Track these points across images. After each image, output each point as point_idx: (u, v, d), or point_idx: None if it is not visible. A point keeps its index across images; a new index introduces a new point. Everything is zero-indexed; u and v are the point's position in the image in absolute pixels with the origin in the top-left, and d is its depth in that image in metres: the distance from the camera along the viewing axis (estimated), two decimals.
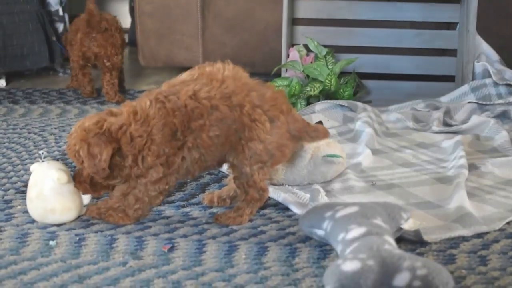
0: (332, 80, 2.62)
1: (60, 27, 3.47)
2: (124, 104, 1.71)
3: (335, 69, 2.67)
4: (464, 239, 1.61)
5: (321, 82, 2.64)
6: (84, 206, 1.76)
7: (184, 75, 1.71)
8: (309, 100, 2.65)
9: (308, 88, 2.62)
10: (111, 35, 2.92)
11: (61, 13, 3.45)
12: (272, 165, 1.71)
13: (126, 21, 4.58)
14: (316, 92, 2.62)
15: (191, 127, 1.62)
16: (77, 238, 1.63)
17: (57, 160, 2.14)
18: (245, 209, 1.71)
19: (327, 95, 2.66)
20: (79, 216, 1.74)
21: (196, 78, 1.67)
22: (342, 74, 2.75)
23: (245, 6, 3.05)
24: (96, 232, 1.66)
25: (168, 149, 1.62)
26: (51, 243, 1.60)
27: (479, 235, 1.63)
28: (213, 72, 1.68)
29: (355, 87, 2.75)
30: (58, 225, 1.69)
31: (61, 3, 3.44)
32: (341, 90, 2.67)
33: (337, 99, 2.64)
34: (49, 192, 1.68)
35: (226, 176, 2.01)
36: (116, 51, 2.93)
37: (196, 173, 1.72)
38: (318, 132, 1.78)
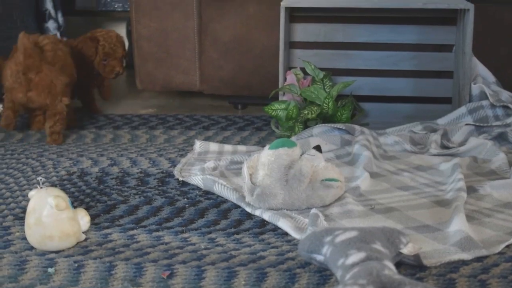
0: (330, 103, 2.63)
1: None
2: None
3: (333, 92, 2.67)
4: (464, 263, 1.61)
5: (319, 105, 2.64)
6: (82, 232, 1.76)
7: None
8: (307, 124, 2.66)
9: (306, 112, 2.62)
10: None
11: (59, 38, 3.46)
12: None
13: None
14: (314, 115, 2.62)
15: None
16: (76, 265, 1.63)
17: (56, 186, 2.14)
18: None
19: (324, 118, 2.66)
20: (77, 243, 1.73)
21: None
22: (339, 97, 2.75)
23: (242, 30, 3.06)
24: (95, 258, 1.66)
25: None
26: (50, 270, 1.60)
27: (479, 259, 1.62)
28: None
29: (352, 110, 2.76)
30: (57, 251, 1.69)
31: (59, 28, 3.45)
32: (339, 113, 2.68)
33: (334, 122, 2.64)
34: (47, 218, 1.68)
35: (225, 201, 2.02)
36: None
37: None
38: None
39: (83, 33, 2.98)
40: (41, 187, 1.73)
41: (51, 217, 1.68)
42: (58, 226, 1.68)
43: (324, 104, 2.63)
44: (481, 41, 2.87)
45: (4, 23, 3.20)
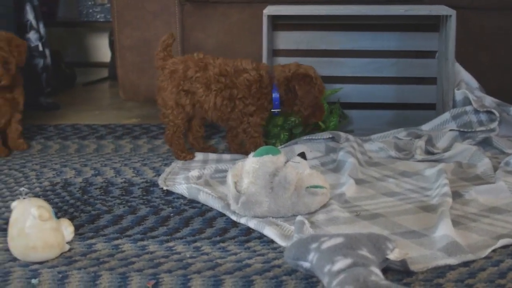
0: None
1: (40, 62, 3.45)
2: None
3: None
4: (451, 268, 1.60)
5: None
6: (66, 242, 1.74)
7: None
8: (292, 131, 2.65)
9: (293, 118, 2.61)
10: None
11: (41, 48, 3.44)
12: None
13: (106, 55, 4.58)
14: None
15: None
16: (60, 275, 1.61)
17: (39, 196, 2.12)
18: None
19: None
20: (61, 253, 1.71)
21: None
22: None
23: (225, 39, 3.06)
24: (79, 269, 1.64)
25: None
26: (34, 281, 1.58)
27: (466, 264, 1.62)
28: None
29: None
30: (40, 262, 1.67)
31: (40, 39, 3.43)
32: (328, 120, 2.67)
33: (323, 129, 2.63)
34: (30, 229, 1.66)
35: (210, 209, 2.00)
36: None
37: None
38: None
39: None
40: (24, 198, 1.71)
41: (34, 228, 1.66)
42: (41, 236, 1.66)
43: None
44: (463, 47, 2.88)
45: None
